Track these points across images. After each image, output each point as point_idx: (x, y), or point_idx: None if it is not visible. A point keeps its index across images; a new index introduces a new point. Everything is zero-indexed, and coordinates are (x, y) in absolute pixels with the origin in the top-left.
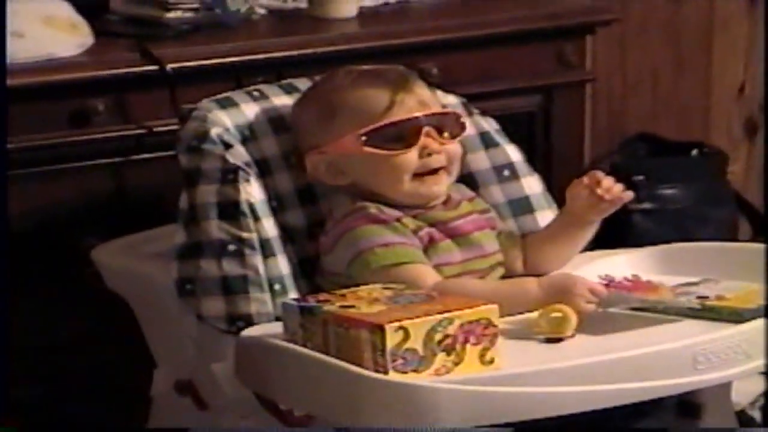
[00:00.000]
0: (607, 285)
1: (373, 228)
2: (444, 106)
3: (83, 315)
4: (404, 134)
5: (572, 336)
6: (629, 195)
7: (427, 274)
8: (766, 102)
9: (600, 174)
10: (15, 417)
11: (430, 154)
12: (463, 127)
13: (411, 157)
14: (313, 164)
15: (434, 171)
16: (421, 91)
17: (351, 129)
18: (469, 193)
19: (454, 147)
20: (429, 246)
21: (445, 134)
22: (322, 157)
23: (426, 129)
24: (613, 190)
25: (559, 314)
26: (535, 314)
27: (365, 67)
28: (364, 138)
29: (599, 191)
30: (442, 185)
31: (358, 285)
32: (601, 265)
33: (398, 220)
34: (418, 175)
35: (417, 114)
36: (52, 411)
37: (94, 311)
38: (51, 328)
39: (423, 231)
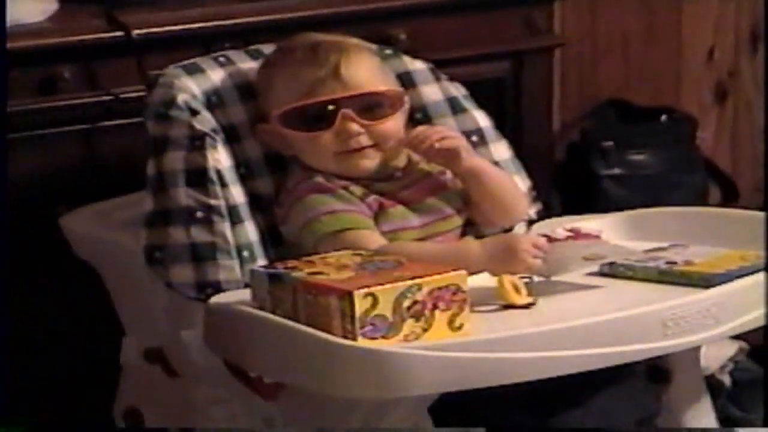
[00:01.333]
0: (548, 239)
1: (320, 197)
2: (405, 73)
3: (53, 284)
4: (319, 116)
5: (533, 303)
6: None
7: (371, 240)
8: (736, 68)
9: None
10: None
11: (349, 137)
12: (399, 104)
13: (327, 138)
14: (262, 133)
15: (357, 150)
16: (351, 71)
17: (280, 103)
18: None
19: (385, 126)
20: (379, 212)
21: (372, 114)
22: (267, 127)
23: (343, 111)
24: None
25: (509, 284)
26: (494, 284)
27: (316, 37)
28: (279, 118)
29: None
30: (370, 160)
31: (309, 254)
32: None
33: (345, 188)
34: (342, 153)
35: (332, 96)
36: (22, 382)
37: (65, 280)
38: (19, 298)
39: (371, 198)
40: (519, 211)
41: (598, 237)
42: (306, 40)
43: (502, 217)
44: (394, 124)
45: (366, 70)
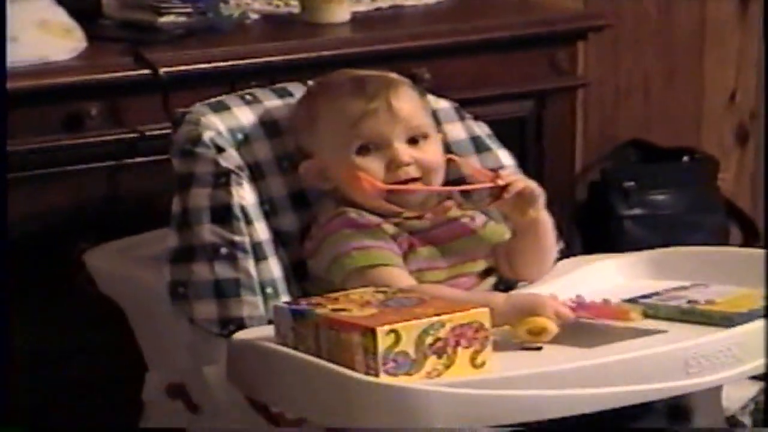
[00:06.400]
0: (575, 308)
1: (352, 232)
2: (434, 111)
3: (76, 319)
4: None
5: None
6: (527, 184)
7: (400, 278)
8: (765, 110)
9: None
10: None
11: (398, 167)
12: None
13: (376, 168)
14: (306, 169)
15: (405, 182)
16: (401, 103)
17: (328, 137)
18: (459, 197)
19: (432, 158)
20: (409, 252)
21: (419, 147)
22: (313, 163)
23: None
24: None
25: (536, 326)
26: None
27: (357, 72)
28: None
29: (499, 182)
30: (415, 195)
31: (337, 289)
32: (591, 271)
33: (378, 225)
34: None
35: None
36: (46, 417)
37: (88, 315)
38: (43, 332)
39: (402, 237)
40: (549, 268)
41: (627, 311)
42: (348, 75)
43: (536, 271)
44: (439, 156)
45: (412, 103)
